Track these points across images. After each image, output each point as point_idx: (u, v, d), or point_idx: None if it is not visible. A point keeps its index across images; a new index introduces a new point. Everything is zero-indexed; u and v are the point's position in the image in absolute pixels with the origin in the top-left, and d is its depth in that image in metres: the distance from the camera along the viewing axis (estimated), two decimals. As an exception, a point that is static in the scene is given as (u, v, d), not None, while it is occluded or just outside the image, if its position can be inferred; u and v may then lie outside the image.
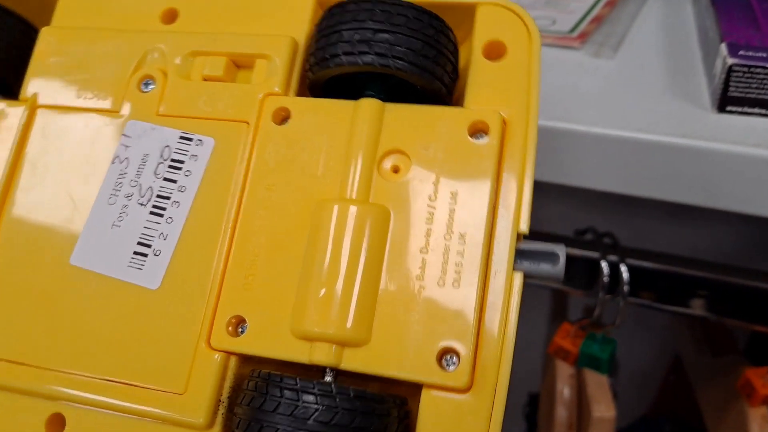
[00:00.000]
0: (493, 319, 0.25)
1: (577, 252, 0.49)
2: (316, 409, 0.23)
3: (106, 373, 0.26)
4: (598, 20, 0.44)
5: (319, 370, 0.25)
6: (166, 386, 0.25)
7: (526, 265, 0.26)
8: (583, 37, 0.42)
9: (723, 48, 0.35)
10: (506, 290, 0.25)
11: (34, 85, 0.30)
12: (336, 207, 0.25)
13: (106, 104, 0.29)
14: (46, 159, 0.29)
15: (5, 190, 0.29)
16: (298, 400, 0.23)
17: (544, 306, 0.66)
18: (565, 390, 0.51)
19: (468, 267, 0.25)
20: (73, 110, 0.29)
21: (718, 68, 0.34)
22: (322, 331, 0.24)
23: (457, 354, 0.24)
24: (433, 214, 0.25)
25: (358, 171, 0.26)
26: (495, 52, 0.28)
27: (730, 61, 0.34)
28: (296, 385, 0.23)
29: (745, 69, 0.33)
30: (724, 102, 0.34)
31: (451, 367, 0.24)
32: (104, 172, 0.28)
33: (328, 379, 0.25)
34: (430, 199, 0.26)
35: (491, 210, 0.25)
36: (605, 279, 0.46)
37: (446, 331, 0.24)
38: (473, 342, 0.24)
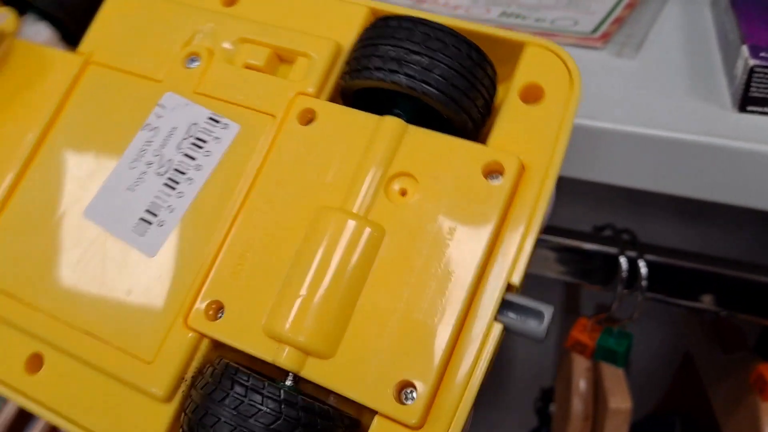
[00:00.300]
0: (460, 365, 0.24)
1: (596, 247, 0.50)
2: (259, 410, 0.23)
3: (88, 326, 0.27)
4: (619, 21, 0.45)
5: (283, 372, 0.25)
6: (136, 352, 0.26)
7: (511, 316, 0.25)
8: (606, 37, 0.42)
9: (744, 50, 0.36)
10: (482, 338, 0.24)
11: (93, 41, 0.32)
12: (334, 217, 0.25)
13: (151, 72, 0.30)
14: (85, 112, 0.30)
15: (44, 133, 0.30)
16: (245, 397, 0.23)
17: (557, 301, 0.67)
18: (581, 383, 0.53)
19: (449, 306, 0.24)
20: (121, 72, 0.31)
21: (740, 69, 0.36)
22: (291, 336, 0.24)
23: (416, 390, 0.24)
24: (428, 244, 0.25)
25: (365, 186, 0.26)
26: (532, 95, 0.27)
27: (752, 62, 0.35)
28: (247, 381, 0.23)
29: (767, 70, 0.35)
30: (745, 102, 0.36)
31: (408, 402, 0.24)
32: (133, 136, 0.29)
33: (288, 383, 0.25)
34: (429, 229, 0.25)
35: (487, 254, 0.25)
36: (624, 274, 0.48)
37: (411, 365, 0.24)
38: (435, 382, 0.24)
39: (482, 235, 0.25)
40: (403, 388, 0.24)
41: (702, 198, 0.37)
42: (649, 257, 0.48)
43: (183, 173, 0.28)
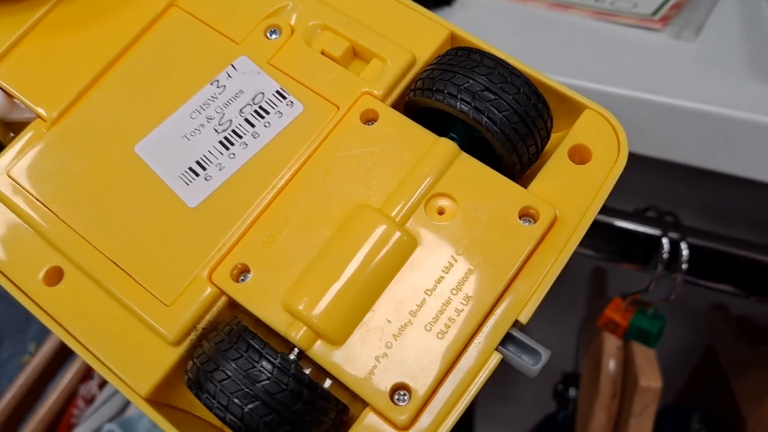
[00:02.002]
0: (454, 382, 0.26)
1: (638, 227, 0.52)
2: (267, 378, 0.24)
3: (115, 255, 0.28)
4: (679, 6, 0.46)
5: (288, 346, 0.27)
6: (158, 293, 0.27)
7: (510, 350, 0.27)
8: (665, 20, 0.44)
9: None
10: (479, 362, 0.26)
11: (182, -14, 0.32)
12: (372, 215, 0.27)
13: (231, 32, 0.31)
14: (159, 51, 0.31)
15: (115, 59, 0.31)
16: (257, 362, 0.25)
17: (577, 290, 0.69)
18: (611, 361, 0.54)
19: (458, 326, 0.26)
20: (203, 23, 0.32)
21: None
22: (306, 314, 0.26)
23: (410, 394, 0.25)
24: (452, 266, 0.27)
25: (408, 196, 0.28)
26: (579, 156, 0.29)
27: None
28: (262, 348, 0.25)
29: None
30: None
31: (401, 403, 0.25)
32: (199, 88, 0.30)
33: (292, 356, 0.26)
34: (456, 252, 0.27)
35: (504, 288, 0.27)
36: (665, 255, 0.49)
37: (410, 370, 0.26)
38: (428, 392, 0.25)
39: (505, 271, 0.27)
40: (398, 390, 0.26)
41: (757, 178, 0.38)
42: (692, 240, 0.50)
43: (240, 137, 0.29)
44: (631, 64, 0.41)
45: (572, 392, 0.64)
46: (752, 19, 0.46)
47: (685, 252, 0.49)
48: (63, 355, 0.69)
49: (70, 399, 0.67)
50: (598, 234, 0.54)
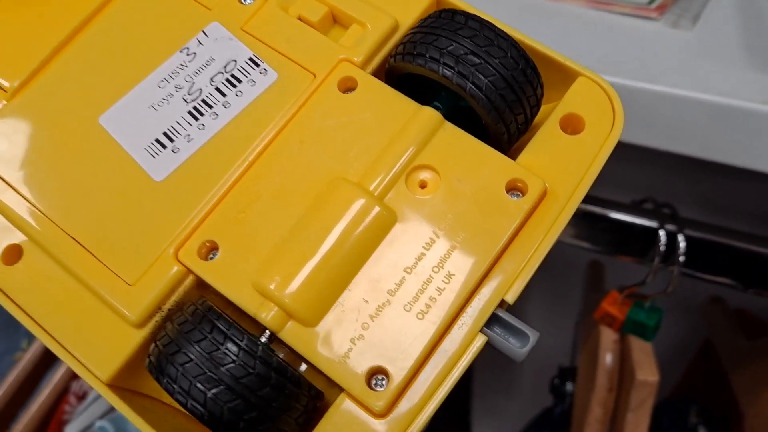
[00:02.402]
0: (436, 366, 0.24)
1: (635, 219, 0.51)
2: (233, 361, 0.23)
3: (77, 233, 0.26)
4: None
5: (259, 328, 0.25)
6: (120, 271, 0.26)
7: (496, 331, 0.25)
8: (662, 9, 0.43)
9: None
10: (464, 347, 0.24)
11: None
12: (348, 189, 0.25)
13: (202, -3, 0.29)
14: (126, 17, 0.30)
15: (80, 26, 0.29)
16: (222, 344, 0.23)
17: (575, 282, 0.67)
18: (608, 354, 0.53)
19: (440, 306, 0.24)
20: (171, -13, 0.30)
21: None
22: (277, 294, 0.24)
23: (388, 379, 0.24)
24: (434, 242, 0.25)
25: (387, 169, 0.26)
26: (571, 125, 0.27)
27: None
28: (227, 329, 0.23)
29: None
30: None
31: (378, 388, 0.24)
32: (168, 55, 0.28)
33: (263, 339, 0.25)
34: (438, 228, 0.25)
35: (489, 266, 0.25)
36: (662, 247, 0.48)
37: (388, 353, 0.24)
38: (407, 376, 0.24)
39: (490, 248, 0.25)
40: (375, 374, 0.24)
41: (755, 168, 0.37)
42: (689, 232, 0.49)
43: (210, 106, 0.27)
44: (627, 53, 0.40)
45: (569, 386, 0.62)
46: (749, 7, 0.44)
47: (682, 244, 0.48)
48: (55, 351, 0.69)
49: (61, 396, 0.66)
50: (595, 226, 0.53)
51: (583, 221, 0.52)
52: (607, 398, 0.53)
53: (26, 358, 0.68)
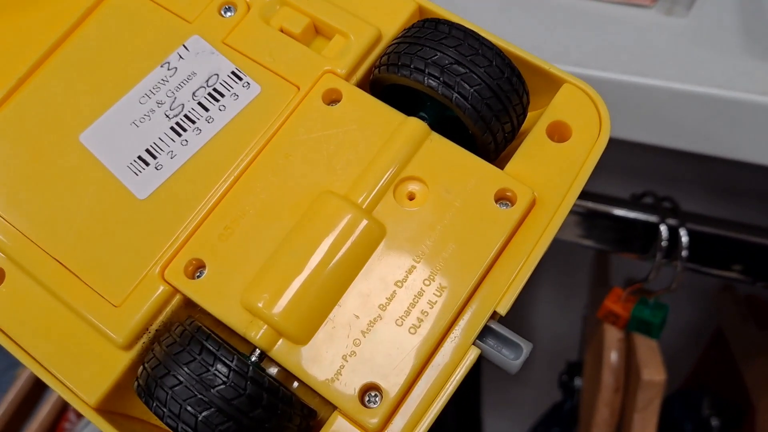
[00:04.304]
0: (429, 380, 0.24)
1: (635, 215, 0.49)
2: (223, 383, 0.22)
3: (60, 254, 0.26)
4: None
5: (249, 347, 0.25)
6: (105, 293, 0.25)
7: (489, 343, 0.25)
8: None
9: None
10: (457, 360, 0.24)
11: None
12: (335, 203, 0.25)
13: (183, 11, 0.29)
14: (105, 32, 0.29)
15: (59, 42, 0.29)
16: (211, 366, 0.22)
17: (585, 273, 0.66)
18: (613, 354, 0.52)
19: (432, 319, 0.24)
20: (151, 1, 0.29)
21: None
22: (266, 312, 0.24)
23: (381, 395, 0.23)
24: (424, 254, 0.25)
25: (375, 181, 0.25)
26: (558, 133, 0.27)
27: None
28: (217, 350, 0.23)
29: None
30: None
31: (371, 405, 0.23)
32: (149, 71, 0.28)
33: (253, 359, 0.24)
34: (428, 239, 0.25)
35: (480, 277, 0.25)
36: (664, 243, 0.47)
37: (381, 369, 0.24)
38: (401, 392, 0.23)
39: (480, 258, 0.25)
40: (368, 391, 0.24)
41: (756, 162, 0.36)
42: (691, 226, 0.47)
43: (193, 122, 0.27)
44: (619, 43, 0.39)
45: (578, 382, 0.61)
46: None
47: (684, 239, 0.47)
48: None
49: (61, 413, 0.65)
50: (596, 224, 0.51)
51: (582, 217, 0.51)
52: (613, 399, 0.52)
53: (26, 375, 0.67)
